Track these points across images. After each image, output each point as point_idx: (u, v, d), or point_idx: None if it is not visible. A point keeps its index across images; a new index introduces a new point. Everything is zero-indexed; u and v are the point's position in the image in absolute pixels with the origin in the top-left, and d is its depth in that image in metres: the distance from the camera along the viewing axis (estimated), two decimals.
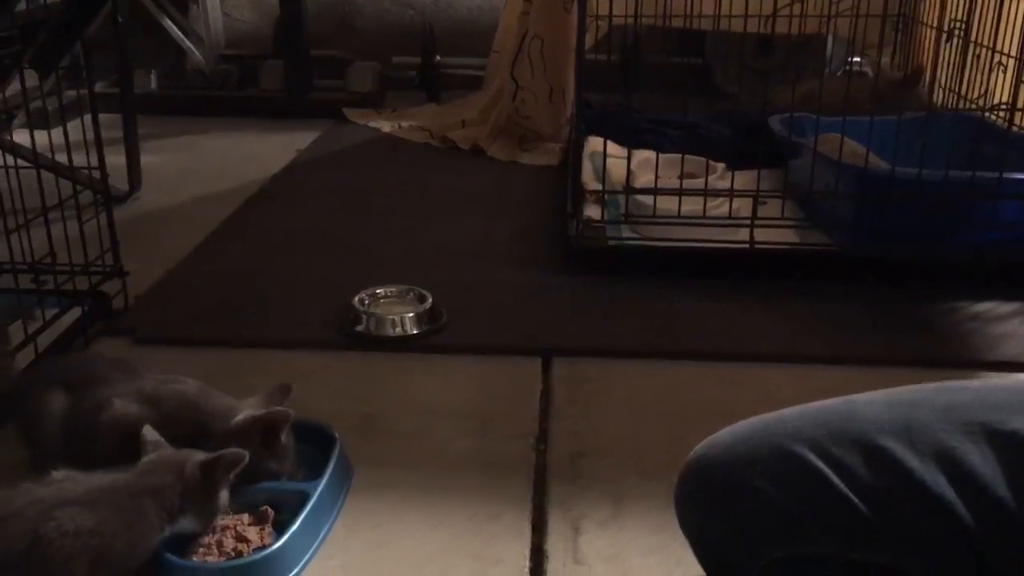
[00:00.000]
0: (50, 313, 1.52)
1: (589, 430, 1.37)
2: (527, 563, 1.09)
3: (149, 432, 1.09)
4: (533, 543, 1.13)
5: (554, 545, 1.12)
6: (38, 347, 1.44)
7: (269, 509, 1.13)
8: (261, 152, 2.78)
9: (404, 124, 3.02)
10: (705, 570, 0.87)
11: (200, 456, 1.04)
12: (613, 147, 1.99)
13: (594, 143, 2.20)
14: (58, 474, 1.02)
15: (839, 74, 3.07)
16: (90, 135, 1.64)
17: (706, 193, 1.89)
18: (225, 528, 1.10)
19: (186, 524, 1.04)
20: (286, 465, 1.16)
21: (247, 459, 1.04)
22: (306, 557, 1.09)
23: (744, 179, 1.97)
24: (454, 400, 1.45)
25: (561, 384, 1.50)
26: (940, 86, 2.51)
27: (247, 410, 1.16)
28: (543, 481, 1.25)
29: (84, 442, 1.15)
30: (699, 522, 0.84)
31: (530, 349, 1.59)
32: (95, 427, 1.14)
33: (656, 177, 1.95)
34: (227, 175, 2.55)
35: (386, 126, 3.03)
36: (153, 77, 3.35)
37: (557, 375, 1.53)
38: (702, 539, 0.85)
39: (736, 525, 0.79)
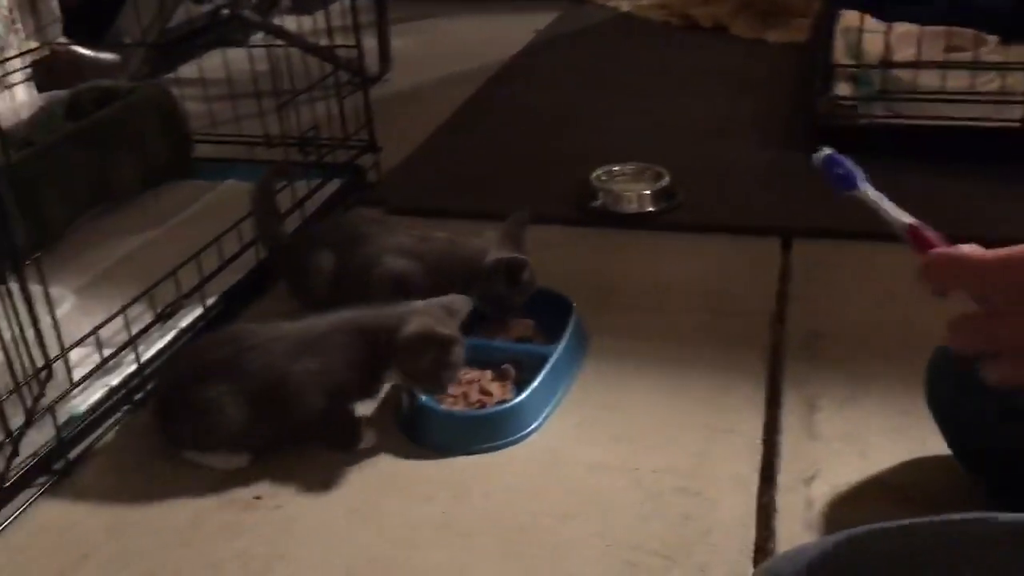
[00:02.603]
0: (313, 184, 1.64)
1: (827, 311, 1.33)
2: (760, 435, 1.10)
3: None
4: (767, 417, 1.13)
5: (788, 420, 1.12)
6: (304, 212, 1.56)
7: (510, 368, 1.20)
8: (502, 32, 2.82)
9: (643, 2, 2.95)
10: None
11: (422, 322, 1.07)
12: (870, 21, 1.85)
13: (849, 17, 2.06)
14: (309, 318, 1.13)
15: None
16: (347, 20, 1.73)
17: (975, 67, 1.73)
18: (471, 382, 1.18)
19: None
20: (525, 298, 1.26)
21: (460, 345, 1.09)
22: (544, 413, 1.15)
23: (1020, 53, 1.79)
24: (689, 277, 1.45)
25: (800, 265, 1.46)
26: None
27: (493, 253, 1.25)
28: (779, 358, 1.24)
29: (353, 295, 1.26)
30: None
31: (769, 229, 1.56)
32: (366, 281, 1.25)
33: (918, 52, 1.80)
34: (470, 55, 2.61)
35: (625, 5, 2.97)
36: None
37: (796, 256, 1.49)
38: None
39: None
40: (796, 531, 0.96)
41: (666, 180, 1.66)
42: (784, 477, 1.03)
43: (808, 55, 2.33)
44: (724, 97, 2.18)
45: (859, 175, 0.65)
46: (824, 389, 1.17)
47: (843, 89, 1.87)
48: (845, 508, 0.98)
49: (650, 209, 1.63)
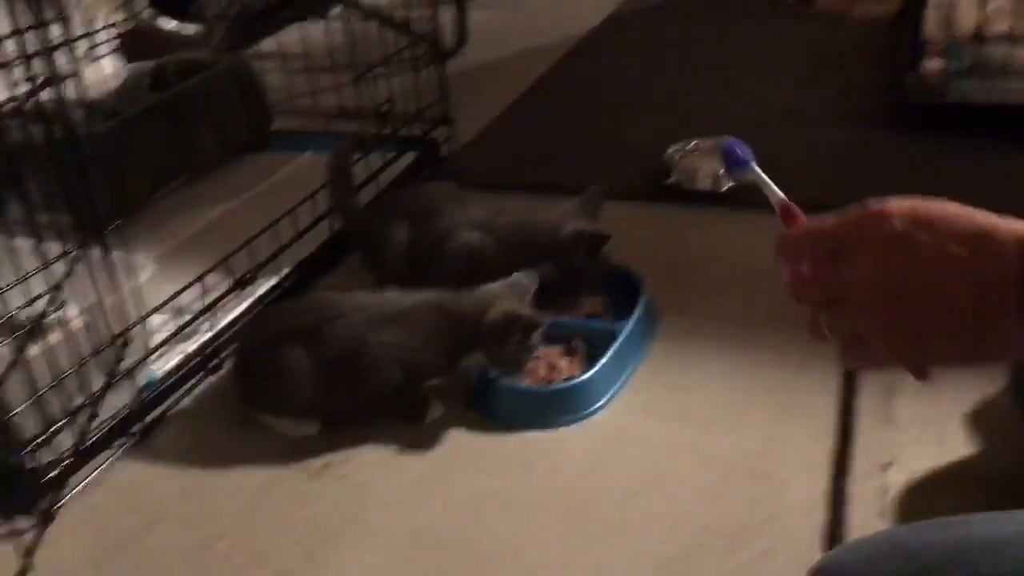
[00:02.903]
0: (388, 157, 1.65)
1: None
2: (834, 419, 1.07)
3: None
4: (842, 400, 1.10)
5: (865, 403, 1.09)
6: (379, 184, 1.57)
7: (580, 343, 1.19)
8: (580, 7, 2.78)
9: None
10: None
11: (508, 307, 1.08)
12: None
13: None
14: (387, 291, 1.14)
15: None
16: None
17: None
18: (539, 357, 1.17)
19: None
20: (600, 273, 1.25)
21: (542, 327, 1.09)
22: (612, 390, 1.14)
23: None
24: (764, 257, 1.40)
25: None
26: None
27: (573, 225, 1.23)
28: None
29: (426, 268, 1.26)
30: None
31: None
32: (440, 255, 1.26)
33: (1014, 25, 1.72)
34: (548, 29, 2.59)
35: None
36: None
37: None
38: None
39: None
40: (869, 519, 0.93)
41: None
42: (858, 462, 1.01)
43: (896, 30, 2.25)
44: (807, 73, 2.12)
45: (751, 158, 0.74)
46: (904, 374, 1.13)
47: (934, 64, 1.80)
48: (921, 497, 0.95)
49: (725, 187, 1.60)
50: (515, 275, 1.13)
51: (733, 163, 0.77)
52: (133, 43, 1.99)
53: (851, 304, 0.52)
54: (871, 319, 0.52)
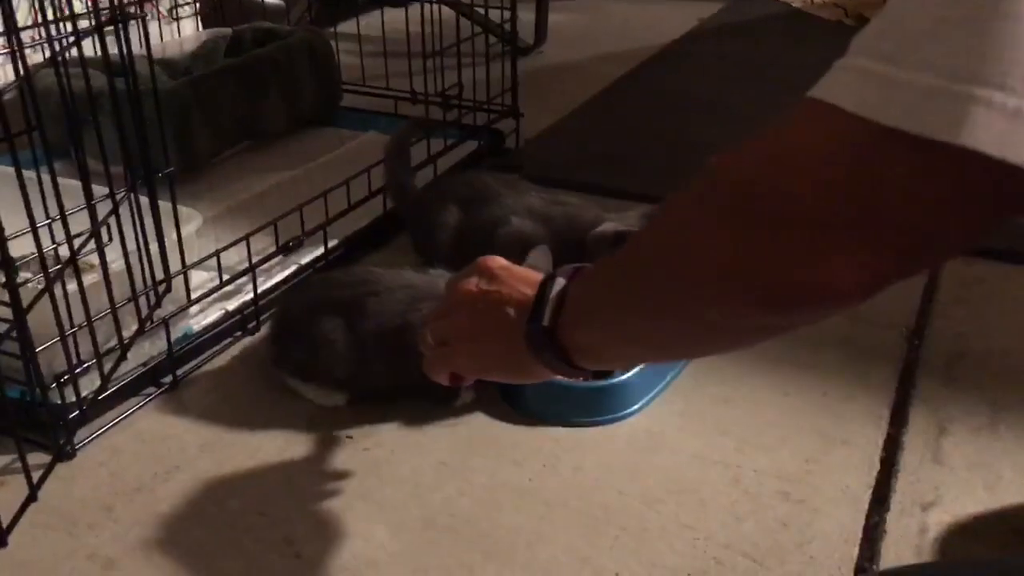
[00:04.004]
0: (450, 142, 1.63)
1: (975, 333, 1.23)
2: (879, 451, 1.02)
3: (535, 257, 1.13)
4: (889, 433, 1.05)
5: (913, 440, 1.03)
6: (437, 169, 1.56)
7: None
8: (664, 18, 2.75)
9: (817, 0, 2.83)
10: None
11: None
12: None
13: None
14: (434, 271, 1.12)
15: None
16: None
17: None
18: None
19: None
20: None
21: None
22: (649, 396, 1.10)
23: None
24: None
25: (950, 282, 1.35)
26: None
27: (607, 223, 1.20)
28: (911, 375, 1.15)
29: (477, 252, 1.23)
30: None
31: None
32: (491, 240, 1.23)
33: None
34: (628, 37, 2.56)
35: (796, 1, 2.85)
36: None
37: (946, 272, 1.38)
38: None
39: None
40: (905, 556, 0.88)
41: None
42: (899, 498, 0.95)
43: None
44: None
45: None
46: (958, 413, 1.07)
47: None
48: (961, 540, 0.90)
49: None
50: (532, 254, 1.10)
51: None
52: (215, 9, 2.02)
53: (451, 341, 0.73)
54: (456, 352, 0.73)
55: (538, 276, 0.68)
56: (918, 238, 0.42)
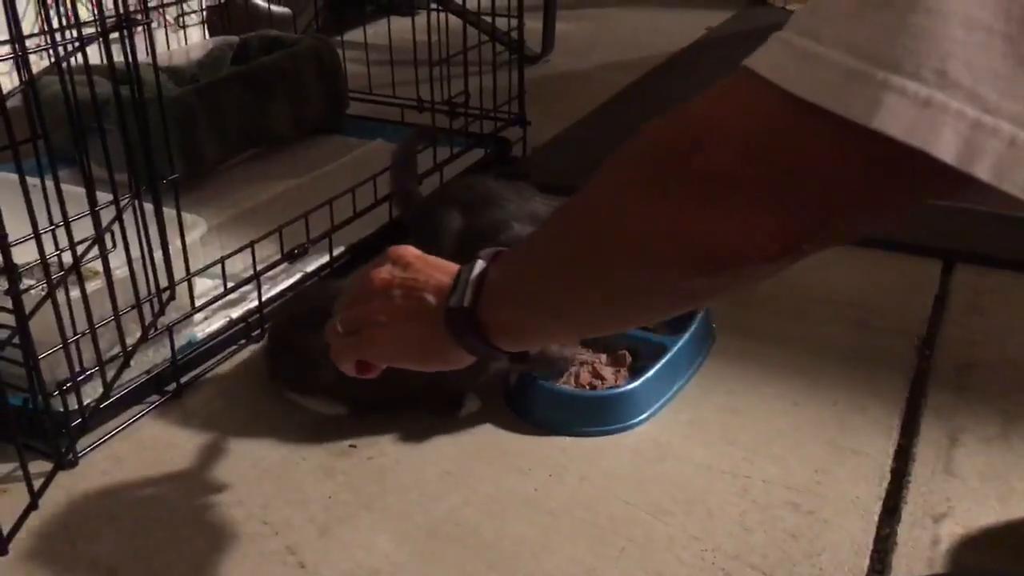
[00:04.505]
0: (457, 150, 1.63)
1: (987, 342, 1.21)
2: (890, 461, 1.01)
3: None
4: (900, 444, 1.03)
5: (924, 450, 1.02)
6: (443, 177, 1.55)
7: (627, 354, 1.15)
8: (671, 27, 2.75)
9: None
10: None
11: None
12: None
13: None
14: None
15: None
16: None
17: None
18: (584, 363, 1.13)
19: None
20: None
21: None
22: (656, 405, 1.09)
23: None
24: (836, 288, 1.35)
25: (961, 291, 1.34)
26: None
27: None
28: (922, 385, 1.13)
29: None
30: None
31: (930, 249, 1.44)
32: (491, 246, 1.22)
33: None
34: (635, 46, 2.56)
35: None
36: None
37: (958, 281, 1.37)
38: None
39: None
40: (916, 568, 0.87)
41: None
42: (910, 509, 0.94)
43: None
44: None
45: None
46: (970, 423, 1.06)
47: None
48: (973, 552, 0.88)
49: None
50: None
51: None
52: (222, 17, 2.02)
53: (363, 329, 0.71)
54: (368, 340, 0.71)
55: (454, 266, 0.68)
56: (830, 208, 0.45)
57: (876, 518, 0.93)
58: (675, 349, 1.12)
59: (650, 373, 1.08)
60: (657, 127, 0.49)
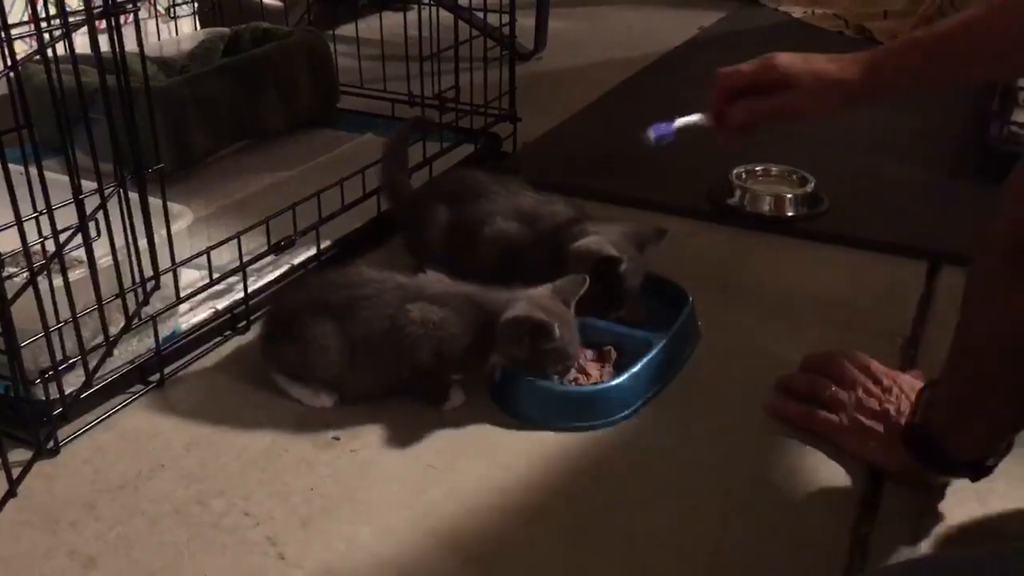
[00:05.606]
0: (446, 145, 1.62)
1: None
2: None
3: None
4: None
5: None
6: (432, 171, 1.55)
7: (612, 350, 1.15)
8: (664, 26, 2.75)
9: (818, 11, 2.82)
10: None
11: (520, 311, 1.02)
12: None
13: None
14: (424, 275, 1.11)
15: None
16: None
17: None
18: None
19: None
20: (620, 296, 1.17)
21: (563, 329, 1.02)
22: (639, 402, 1.09)
23: None
24: (821, 288, 1.36)
25: (947, 293, 1.34)
26: None
27: (591, 238, 1.16)
28: None
29: (463, 251, 1.23)
30: None
31: (917, 251, 1.44)
32: (476, 239, 1.22)
33: None
34: (628, 45, 2.56)
35: (798, 11, 2.85)
36: None
37: (944, 283, 1.37)
38: None
39: None
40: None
41: (811, 186, 1.57)
42: (890, 507, 0.94)
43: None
44: (888, 112, 2.04)
45: (670, 124, 1.08)
46: None
47: (1021, 116, 1.72)
48: (953, 549, 0.89)
49: (789, 213, 1.54)
50: (568, 276, 1.08)
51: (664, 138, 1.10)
52: (213, 9, 2.01)
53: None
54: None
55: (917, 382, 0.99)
56: None
57: (855, 515, 0.93)
58: (660, 346, 1.12)
59: (634, 369, 1.08)
60: (997, 226, 0.63)
